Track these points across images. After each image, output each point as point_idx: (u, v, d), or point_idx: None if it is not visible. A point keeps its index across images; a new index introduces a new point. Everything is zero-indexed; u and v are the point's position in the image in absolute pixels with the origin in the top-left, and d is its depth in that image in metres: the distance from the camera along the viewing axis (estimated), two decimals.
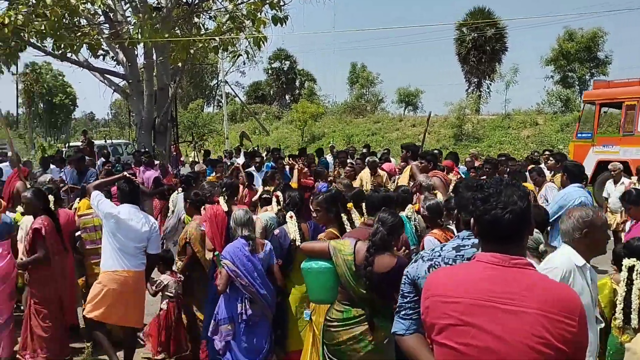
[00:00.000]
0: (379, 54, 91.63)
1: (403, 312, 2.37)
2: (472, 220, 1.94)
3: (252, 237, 4.53)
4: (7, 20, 10.72)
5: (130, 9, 13.12)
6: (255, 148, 18.39)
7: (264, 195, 6.72)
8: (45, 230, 5.06)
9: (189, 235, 5.28)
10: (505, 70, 30.55)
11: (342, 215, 4.61)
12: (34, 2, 11.27)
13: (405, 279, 2.44)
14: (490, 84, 33.56)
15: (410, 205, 5.33)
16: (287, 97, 46.50)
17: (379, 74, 41.87)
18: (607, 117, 16.74)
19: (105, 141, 22.49)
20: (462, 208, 2.80)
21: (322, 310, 4.09)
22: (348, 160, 10.63)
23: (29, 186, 6.88)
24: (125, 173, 5.37)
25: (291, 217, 4.75)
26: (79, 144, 18.10)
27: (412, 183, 6.77)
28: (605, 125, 16.54)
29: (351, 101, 39.21)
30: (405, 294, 2.39)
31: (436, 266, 2.43)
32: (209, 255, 5.13)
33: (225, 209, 5.34)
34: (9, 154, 12.82)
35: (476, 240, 2.29)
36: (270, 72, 45.83)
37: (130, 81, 13.97)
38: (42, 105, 44.31)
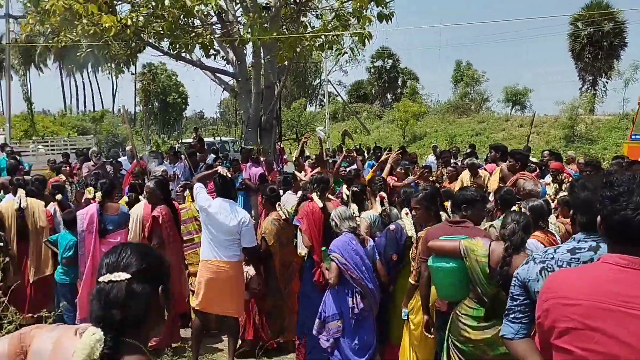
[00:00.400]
0: (485, 51, 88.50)
1: (512, 316, 2.26)
2: (598, 218, 1.83)
3: (358, 230, 4.51)
4: (129, 22, 11.42)
5: (241, 9, 13.53)
6: (357, 146, 18.30)
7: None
8: (162, 218, 5.31)
9: (264, 229, 5.40)
10: (624, 67, 28.39)
11: (441, 213, 4.49)
12: (154, 4, 11.91)
13: (515, 281, 2.32)
14: (607, 82, 31.25)
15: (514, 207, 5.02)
16: (388, 96, 46.13)
17: (485, 72, 40.51)
18: None
19: (214, 138, 23.45)
20: (577, 209, 2.56)
21: (418, 308, 4.12)
22: (452, 161, 10.30)
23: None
24: (218, 168, 5.49)
25: (407, 213, 4.64)
26: (190, 140, 19.00)
27: (500, 185, 6.45)
28: None
29: (455, 100, 38.18)
30: (515, 297, 2.27)
31: (549, 269, 2.26)
32: (303, 252, 5.16)
33: (320, 205, 5.35)
34: (128, 148, 13.68)
35: (594, 243, 2.20)
36: (372, 70, 45.68)
37: (239, 79, 14.42)
38: (157, 104, 47.14)
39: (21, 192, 6.19)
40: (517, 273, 2.35)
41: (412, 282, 4.21)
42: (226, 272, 5.04)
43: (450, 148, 15.70)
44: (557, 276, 1.92)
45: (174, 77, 47.28)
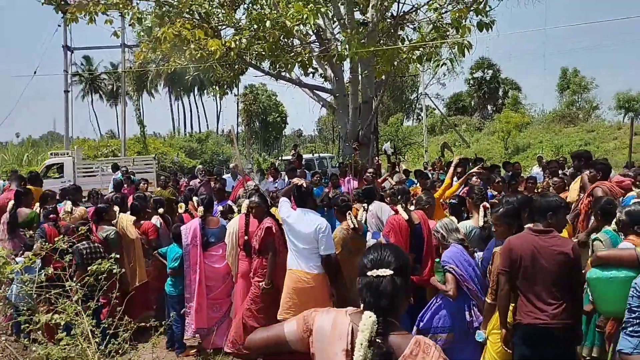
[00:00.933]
0: (593, 56, 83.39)
1: (631, 329, 2.18)
2: None
3: (467, 242, 4.39)
4: (233, 45, 11.93)
5: (339, 27, 13.73)
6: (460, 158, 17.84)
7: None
8: (275, 229, 5.49)
9: (332, 237, 5.39)
10: None
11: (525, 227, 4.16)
12: (256, 27, 12.38)
13: (633, 291, 2.16)
14: None
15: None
16: (489, 107, 44.72)
17: (594, 78, 38.08)
18: None
19: (313, 155, 23.87)
20: None
21: (496, 327, 3.89)
22: (559, 172, 9.75)
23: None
24: (295, 180, 5.63)
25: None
26: (290, 157, 19.47)
27: (581, 195, 6.23)
28: None
29: (561, 109, 36.28)
30: (634, 309, 2.20)
31: None
32: None
33: (405, 217, 5.26)
34: (231, 165, 14.25)
35: None
36: (471, 82, 44.56)
37: (336, 95, 14.59)
38: (258, 124, 48.88)
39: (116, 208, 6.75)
40: (635, 283, 2.22)
41: (489, 300, 3.96)
42: (307, 282, 5.08)
43: (558, 159, 14.88)
44: None
45: (274, 97, 48.85)
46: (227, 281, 6.29)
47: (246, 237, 5.84)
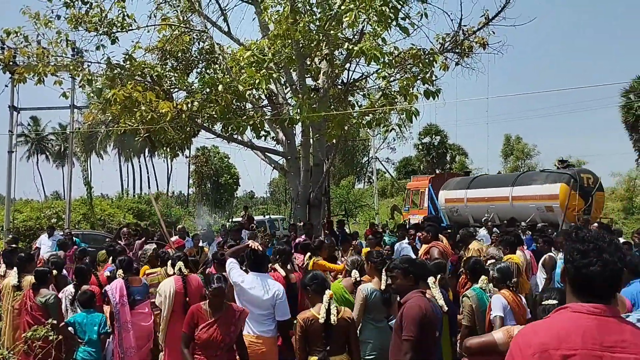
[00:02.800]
0: (534, 124, 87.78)
1: None
2: (562, 268, 1.99)
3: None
4: (184, 107, 11.97)
5: (290, 92, 14.01)
6: (405, 222, 18.11)
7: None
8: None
9: None
10: None
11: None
12: (208, 90, 12.49)
13: None
14: None
15: (483, 277, 5.19)
16: (437, 171, 45.96)
17: (536, 145, 39.99)
18: None
19: (264, 216, 23.74)
20: None
21: None
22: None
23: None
24: (249, 242, 5.56)
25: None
26: (240, 219, 19.27)
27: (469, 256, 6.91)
28: None
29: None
30: None
31: None
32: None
33: (283, 274, 6.03)
34: (179, 227, 13.99)
35: None
36: (420, 147, 45.96)
37: (288, 158, 14.71)
38: (209, 185, 48.47)
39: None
40: None
41: None
42: (259, 347, 4.94)
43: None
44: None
45: (225, 160, 48.80)
46: (150, 339, 6.30)
47: (187, 299, 5.74)
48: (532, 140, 71.82)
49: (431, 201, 20.63)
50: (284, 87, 14.37)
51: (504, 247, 7.24)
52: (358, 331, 4.94)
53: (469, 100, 27.60)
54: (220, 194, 49.49)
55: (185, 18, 14.33)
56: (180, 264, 6.01)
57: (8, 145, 18.26)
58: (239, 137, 14.60)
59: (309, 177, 14.34)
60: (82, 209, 25.09)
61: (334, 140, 14.75)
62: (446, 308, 4.69)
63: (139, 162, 60.03)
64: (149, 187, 58.05)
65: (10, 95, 17.52)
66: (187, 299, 5.75)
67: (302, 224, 13.14)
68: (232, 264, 5.23)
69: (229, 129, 13.61)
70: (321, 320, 4.19)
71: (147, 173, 60.12)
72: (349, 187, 40.87)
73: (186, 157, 45.56)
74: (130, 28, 13.24)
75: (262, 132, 14.58)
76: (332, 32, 11.75)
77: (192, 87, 13.69)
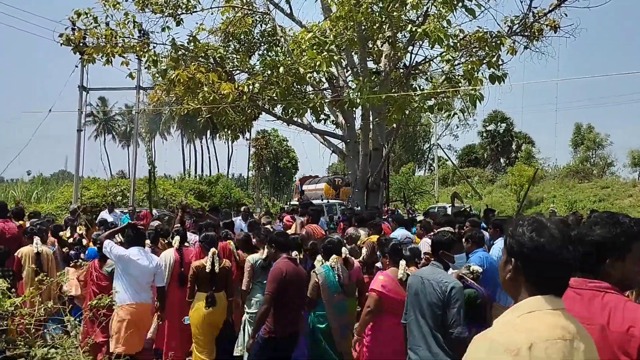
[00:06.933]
0: (608, 112, 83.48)
1: None
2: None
3: None
4: (246, 89, 12.04)
5: (351, 75, 13.84)
6: (468, 208, 17.66)
7: None
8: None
9: None
10: None
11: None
12: (269, 72, 12.52)
13: None
14: None
15: (334, 256, 5.53)
16: (502, 160, 44.66)
17: (609, 135, 38.06)
18: None
19: (322, 200, 23.70)
20: None
21: None
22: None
23: None
24: (129, 222, 6.29)
25: None
26: (296, 202, 19.34)
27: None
28: None
29: (575, 164, 36.12)
30: None
31: None
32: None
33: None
34: (242, 208, 14.19)
35: None
36: (484, 134, 44.67)
37: (347, 141, 14.59)
38: (268, 169, 49.03)
39: None
40: None
41: None
42: (145, 313, 5.65)
43: (571, 214, 14.66)
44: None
45: (285, 143, 49.16)
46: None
47: (182, 269, 6.45)
48: (605, 129, 68.59)
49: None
50: (344, 69, 14.22)
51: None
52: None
53: (536, 84, 26.48)
54: (279, 178, 49.96)
55: (248, 0, 14.38)
56: (177, 238, 6.71)
57: (77, 124, 18.95)
58: (299, 120, 14.60)
59: (368, 162, 14.19)
60: (145, 188, 25.90)
61: (394, 125, 14.51)
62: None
63: (201, 143, 61.57)
64: (210, 169, 59.52)
65: (80, 75, 18.14)
66: (182, 269, 6.44)
67: (358, 207, 13.03)
68: (110, 243, 5.71)
69: (289, 112, 13.62)
70: (207, 270, 5.82)
71: (209, 154, 61.47)
72: (409, 173, 40.30)
73: (247, 139, 46.26)
74: (195, 10, 13.43)
75: (322, 115, 14.53)
76: (395, 13, 11.46)
77: (254, 69, 13.78)
